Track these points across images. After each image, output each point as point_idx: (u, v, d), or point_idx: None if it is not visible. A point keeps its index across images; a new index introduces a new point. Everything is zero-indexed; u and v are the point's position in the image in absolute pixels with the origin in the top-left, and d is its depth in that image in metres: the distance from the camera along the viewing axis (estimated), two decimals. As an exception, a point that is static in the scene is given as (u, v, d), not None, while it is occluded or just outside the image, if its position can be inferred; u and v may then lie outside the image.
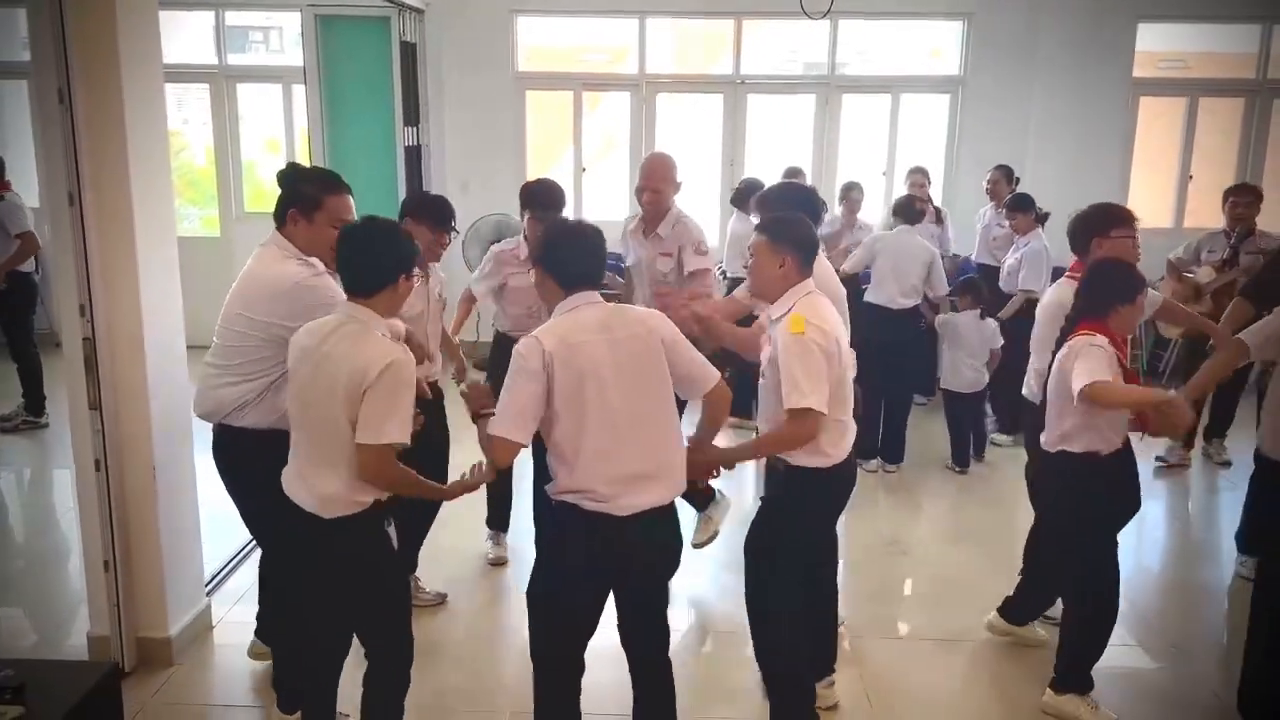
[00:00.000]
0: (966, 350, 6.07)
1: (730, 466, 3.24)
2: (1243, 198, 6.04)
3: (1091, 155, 8.28)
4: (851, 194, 7.23)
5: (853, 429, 3.31)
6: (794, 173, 7.21)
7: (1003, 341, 6.08)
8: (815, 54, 8.68)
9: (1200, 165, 8.59)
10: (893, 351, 5.78)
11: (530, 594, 2.90)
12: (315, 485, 2.72)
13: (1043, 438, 3.54)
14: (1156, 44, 8.58)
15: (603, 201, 8.57)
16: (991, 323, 6.12)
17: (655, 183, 4.41)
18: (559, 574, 2.85)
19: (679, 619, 4.17)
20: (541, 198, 4.28)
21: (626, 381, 2.73)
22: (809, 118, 8.66)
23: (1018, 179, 7.07)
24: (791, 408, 3.01)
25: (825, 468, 3.18)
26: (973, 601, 4.39)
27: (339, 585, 2.81)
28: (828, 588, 3.62)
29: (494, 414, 2.73)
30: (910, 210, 6.12)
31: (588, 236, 2.87)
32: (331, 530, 2.72)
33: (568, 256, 2.82)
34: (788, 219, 3.29)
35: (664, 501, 2.81)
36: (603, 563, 2.78)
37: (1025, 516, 4.31)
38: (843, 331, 3.21)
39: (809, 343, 3.01)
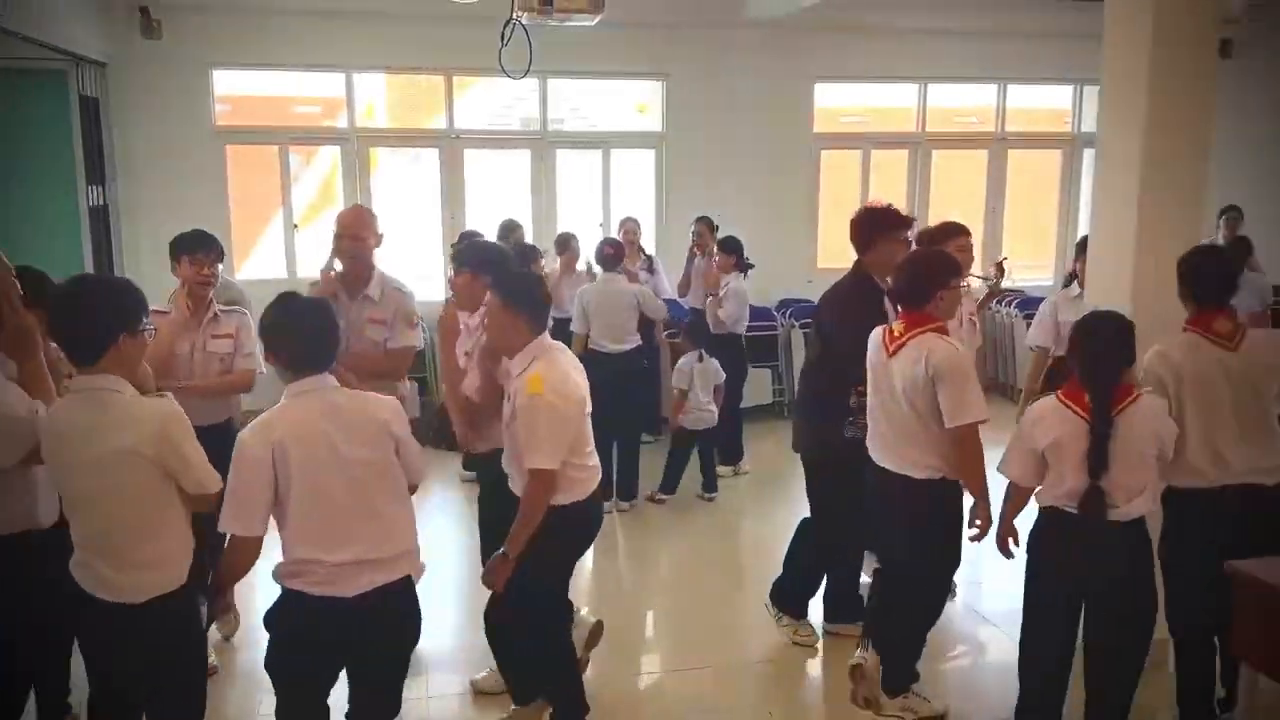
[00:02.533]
0: (696, 390, 6.36)
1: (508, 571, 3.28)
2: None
3: (784, 203, 9.03)
4: (571, 244, 7.44)
5: (597, 471, 3.46)
6: (511, 226, 7.33)
7: (725, 377, 6.47)
8: (529, 110, 8.91)
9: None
10: (618, 393, 5.99)
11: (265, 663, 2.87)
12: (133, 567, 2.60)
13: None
14: (834, 101, 9.54)
15: (319, 259, 8.26)
16: (713, 362, 6.47)
17: (356, 229, 4.24)
18: (281, 648, 2.82)
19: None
20: (189, 244, 4.16)
21: (353, 471, 2.70)
22: (526, 171, 8.84)
23: (717, 227, 7.52)
24: (531, 468, 3.17)
25: (579, 501, 3.35)
26: (720, 627, 4.61)
27: (152, 669, 2.67)
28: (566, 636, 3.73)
29: None
30: (603, 257, 6.34)
31: (313, 316, 2.80)
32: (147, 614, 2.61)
33: (293, 339, 2.75)
34: (520, 278, 3.42)
35: (391, 579, 2.78)
36: (325, 640, 2.75)
37: (755, 540, 4.58)
38: (582, 381, 3.37)
39: (544, 403, 3.16)
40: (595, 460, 3.46)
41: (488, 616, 3.62)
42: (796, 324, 8.59)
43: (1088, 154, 9.51)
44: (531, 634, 3.49)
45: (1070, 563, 3.22)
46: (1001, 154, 9.73)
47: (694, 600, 5.07)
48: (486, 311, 3.41)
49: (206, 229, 4.35)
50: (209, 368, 4.14)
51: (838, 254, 9.27)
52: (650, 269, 7.74)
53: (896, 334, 3.61)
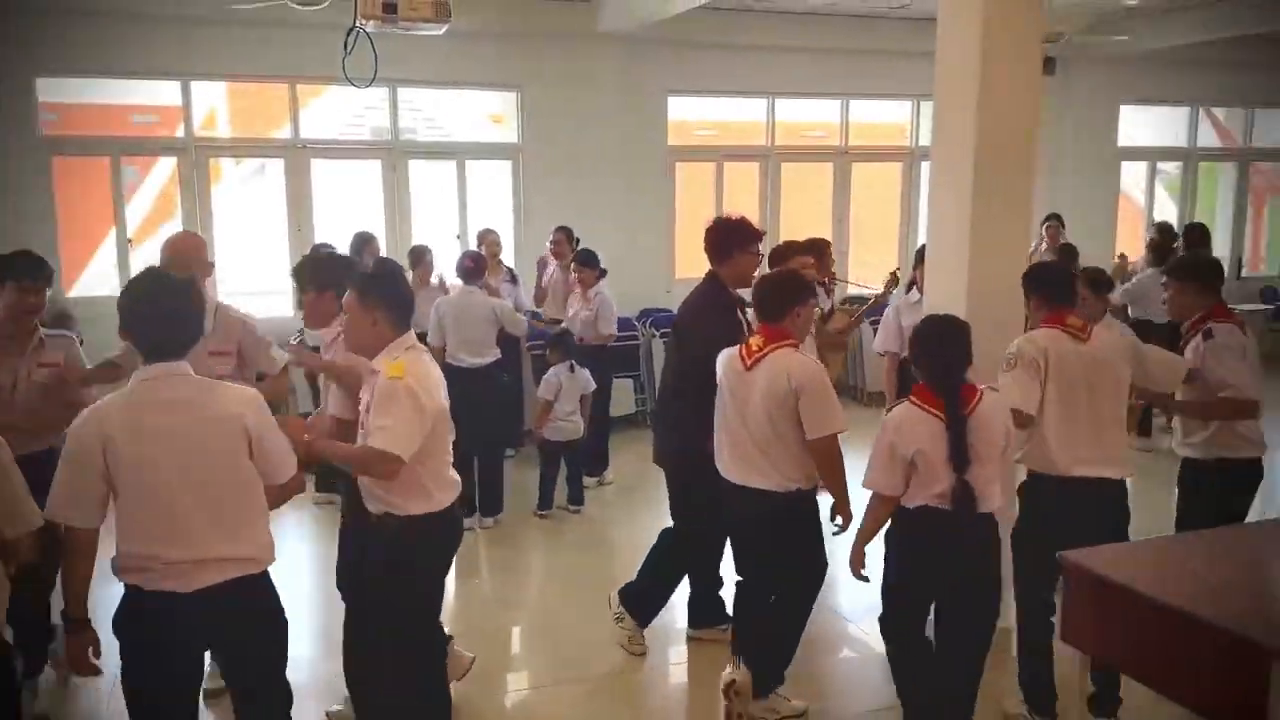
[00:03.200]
0: (562, 401, 6.32)
1: (316, 460, 3.12)
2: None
3: (641, 214, 9.12)
4: (425, 258, 7.30)
5: (457, 484, 3.35)
6: (365, 239, 7.15)
7: (595, 387, 6.50)
8: (382, 119, 8.71)
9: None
10: (477, 408, 5.89)
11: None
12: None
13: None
14: (689, 114, 9.71)
15: (157, 275, 7.85)
16: (584, 372, 6.46)
17: (185, 260, 3.80)
18: (133, 652, 2.68)
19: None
20: (17, 269, 3.85)
21: (194, 466, 2.60)
22: (377, 183, 8.64)
23: (578, 239, 7.56)
24: (379, 448, 2.98)
25: (436, 512, 3.20)
26: (588, 641, 4.59)
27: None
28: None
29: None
30: (463, 270, 6.26)
31: (170, 299, 2.68)
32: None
33: (144, 323, 2.65)
34: (379, 275, 3.29)
35: (239, 574, 2.69)
36: (172, 639, 2.65)
37: (622, 551, 4.58)
38: (441, 387, 3.24)
39: (404, 387, 3.01)
40: (454, 473, 3.37)
41: (348, 661, 3.46)
42: (657, 333, 8.68)
43: (925, 166, 9.99)
44: (399, 671, 3.31)
45: (941, 559, 3.33)
46: (846, 166, 10.10)
47: (562, 614, 5.04)
48: (345, 310, 3.26)
49: (33, 247, 4.07)
50: (33, 399, 3.86)
51: (695, 264, 9.46)
52: (513, 280, 7.70)
53: (755, 348, 3.68)
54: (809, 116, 10.26)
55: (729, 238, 4.22)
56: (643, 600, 4.52)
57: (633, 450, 7.36)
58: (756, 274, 4.16)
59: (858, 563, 3.48)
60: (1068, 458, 3.60)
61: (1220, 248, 10.58)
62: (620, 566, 4.92)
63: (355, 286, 3.22)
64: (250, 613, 2.75)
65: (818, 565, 3.89)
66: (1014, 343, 3.72)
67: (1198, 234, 8.16)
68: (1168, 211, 11.35)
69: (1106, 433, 3.66)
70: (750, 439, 3.70)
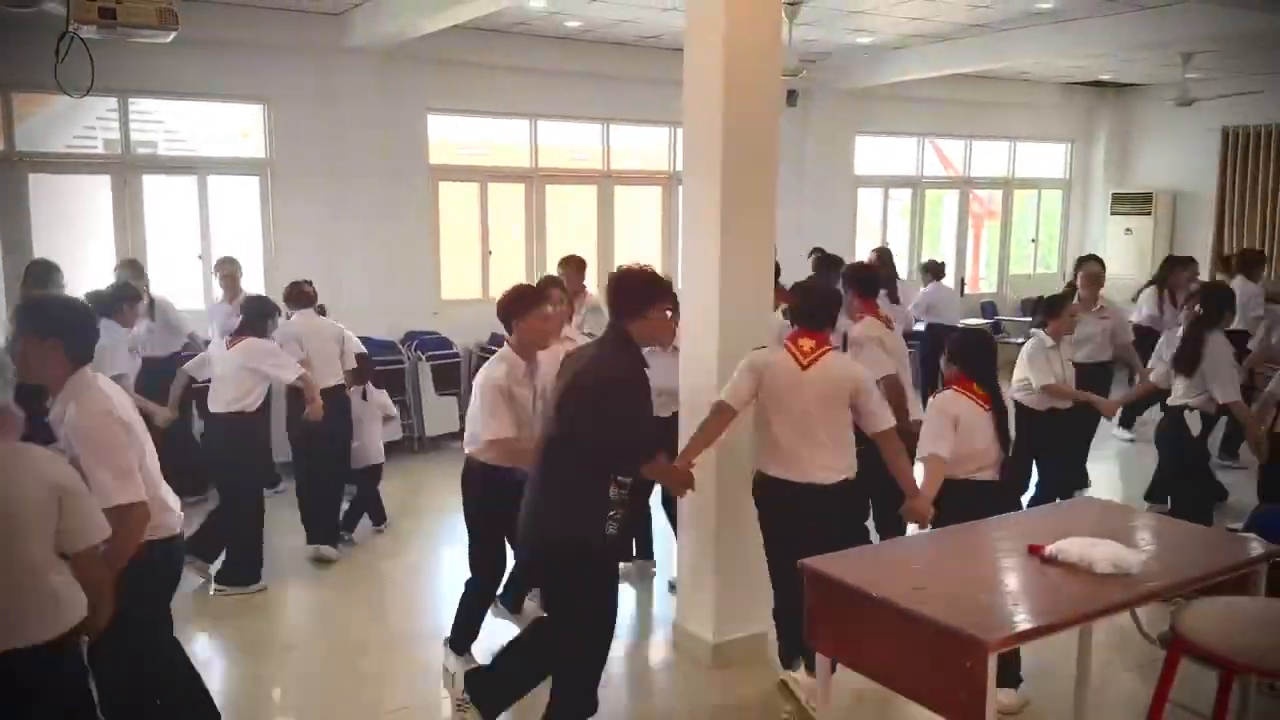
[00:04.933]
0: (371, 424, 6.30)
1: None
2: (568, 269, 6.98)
3: (404, 235, 8.87)
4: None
5: (174, 500, 3.28)
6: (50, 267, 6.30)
7: (396, 412, 6.54)
8: (114, 132, 8.03)
9: (496, 241, 9.73)
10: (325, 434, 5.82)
11: None
12: None
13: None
14: (454, 134, 9.55)
15: None
16: (381, 394, 6.47)
17: None
18: None
19: None
20: None
21: None
22: (105, 199, 7.95)
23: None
24: (118, 504, 2.83)
25: (168, 538, 3.17)
26: (358, 675, 4.41)
27: None
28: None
29: None
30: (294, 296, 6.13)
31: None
32: None
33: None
34: (45, 302, 3.04)
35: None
36: None
37: (394, 582, 4.37)
38: (133, 410, 3.14)
39: (109, 426, 2.92)
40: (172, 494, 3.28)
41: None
42: (423, 356, 8.51)
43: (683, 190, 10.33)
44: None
45: None
46: (609, 189, 10.29)
47: (329, 650, 4.81)
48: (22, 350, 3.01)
49: None
50: None
51: (461, 285, 9.41)
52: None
53: (808, 350, 3.98)
54: (574, 139, 10.35)
55: (646, 292, 3.58)
56: (495, 692, 3.89)
57: (399, 478, 7.13)
58: None
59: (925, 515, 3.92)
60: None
61: (949, 267, 11.52)
62: (391, 599, 4.72)
63: (19, 322, 3.04)
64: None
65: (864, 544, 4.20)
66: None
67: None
68: (900, 233, 12.35)
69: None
70: (803, 437, 3.95)
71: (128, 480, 2.87)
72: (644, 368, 3.55)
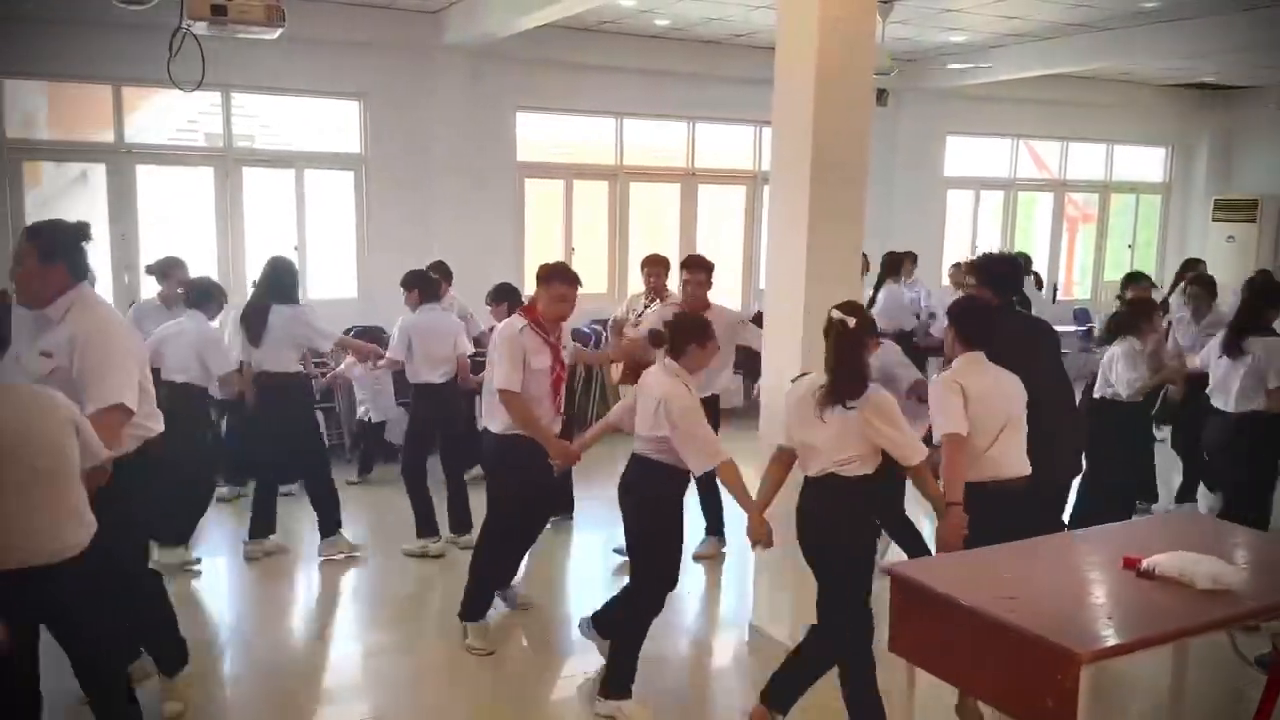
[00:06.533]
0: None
1: None
2: (655, 268, 6.34)
3: (490, 230, 8.98)
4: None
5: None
6: (173, 262, 6.38)
7: None
8: (215, 125, 8.31)
9: (580, 238, 9.81)
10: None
11: None
12: None
13: None
14: (540, 131, 9.60)
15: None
16: None
17: None
18: None
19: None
20: None
21: None
22: (209, 191, 8.24)
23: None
24: (116, 403, 3.17)
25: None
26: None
27: None
28: None
29: None
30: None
31: None
32: None
33: None
34: (47, 229, 3.23)
35: None
36: None
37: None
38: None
39: (122, 329, 3.36)
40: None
41: None
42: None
43: (768, 189, 10.27)
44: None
45: None
46: (693, 188, 10.29)
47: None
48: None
49: None
50: None
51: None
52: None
53: None
54: (658, 138, 10.36)
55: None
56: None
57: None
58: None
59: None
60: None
61: (1041, 272, 11.24)
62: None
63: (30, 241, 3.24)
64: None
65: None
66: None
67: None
68: (991, 236, 12.08)
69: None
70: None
71: (129, 386, 3.15)
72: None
